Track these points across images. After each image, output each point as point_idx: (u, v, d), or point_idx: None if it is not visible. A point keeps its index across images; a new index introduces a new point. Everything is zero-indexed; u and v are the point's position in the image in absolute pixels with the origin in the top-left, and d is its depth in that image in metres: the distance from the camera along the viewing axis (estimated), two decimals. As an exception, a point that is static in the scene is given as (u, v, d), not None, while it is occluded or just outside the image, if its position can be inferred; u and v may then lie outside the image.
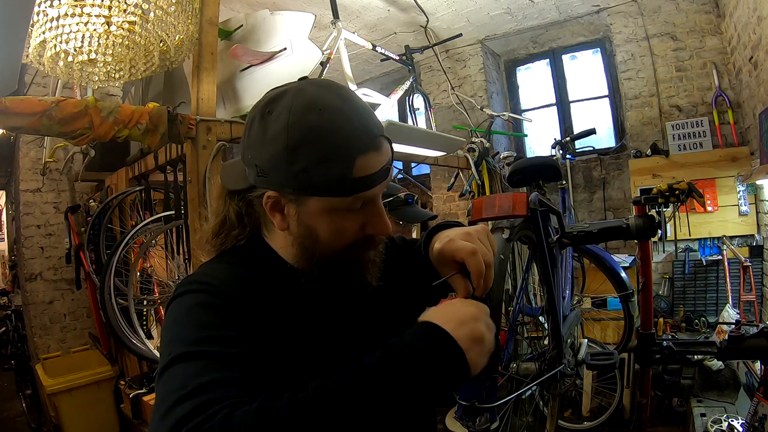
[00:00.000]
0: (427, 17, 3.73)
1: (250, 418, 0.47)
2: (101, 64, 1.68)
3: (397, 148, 2.71)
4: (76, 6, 1.49)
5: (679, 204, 1.59)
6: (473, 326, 0.57)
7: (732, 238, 3.20)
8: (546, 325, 1.61)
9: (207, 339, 0.56)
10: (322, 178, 0.60)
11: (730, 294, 3.05)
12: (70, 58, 1.61)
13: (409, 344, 0.54)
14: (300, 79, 0.67)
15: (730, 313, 2.85)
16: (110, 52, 1.63)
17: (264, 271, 0.67)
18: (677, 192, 1.57)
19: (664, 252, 3.42)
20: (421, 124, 3.83)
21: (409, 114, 3.79)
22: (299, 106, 0.60)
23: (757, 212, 3.12)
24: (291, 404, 0.49)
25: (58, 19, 1.49)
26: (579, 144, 3.83)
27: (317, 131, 0.59)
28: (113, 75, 1.77)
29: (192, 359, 0.54)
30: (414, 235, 4.83)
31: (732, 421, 2.00)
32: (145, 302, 2.73)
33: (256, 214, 0.70)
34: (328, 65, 2.75)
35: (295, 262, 0.68)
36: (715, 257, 3.22)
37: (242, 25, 2.39)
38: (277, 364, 0.60)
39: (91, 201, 3.17)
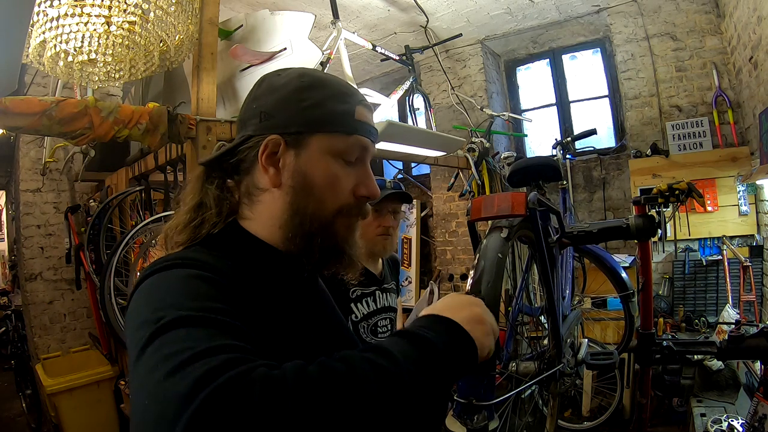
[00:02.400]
0: (427, 17, 3.73)
1: (292, 375, 0.42)
2: (101, 64, 1.68)
3: (397, 148, 2.72)
4: (76, 6, 1.49)
5: (678, 204, 1.59)
6: (471, 309, 0.61)
7: (732, 238, 3.20)
8: (546, 324, 1.61)
9: (209, 308, 0.48)
10: (329, 111, 0.66)
11: (730, 294, 3.05)
12: (70, 58, 1.61)
13: (427, 334, 0.55)
14: None
15: (730, 313, 2.85)
16: (110, 52, 1.63)
17: (246, 260, 0.63)
18: (677, 192, 1.57)
19: (664, 252, 3.42)
20: (421, 124, 3.83)
21: (409, 114, 3.79)
22: (308, 68, 0.73)
23: (757, 212, 3.12)
24: (321, 368, 0.44)
25: (58, 19, 1.49)
26: (579, 144, 3.83)
27: (325, 79, 0.69)
28: (113, 75, 1.77)
29: (194, 325, 0.45)
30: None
31: (732, 421, 2.00)
32: (145, 302, 2.72)
33: (233, 199, 0.69)
34: (328, 65, 2.75)
35: (280, 238, 0.66)
36: (715, 257, 3.22)
37: (242, 25, 2.39)
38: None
39: (91, 201, 3.17)
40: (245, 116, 0.68)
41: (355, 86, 0.74)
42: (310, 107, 0.65)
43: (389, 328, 1.66)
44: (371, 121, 0.70)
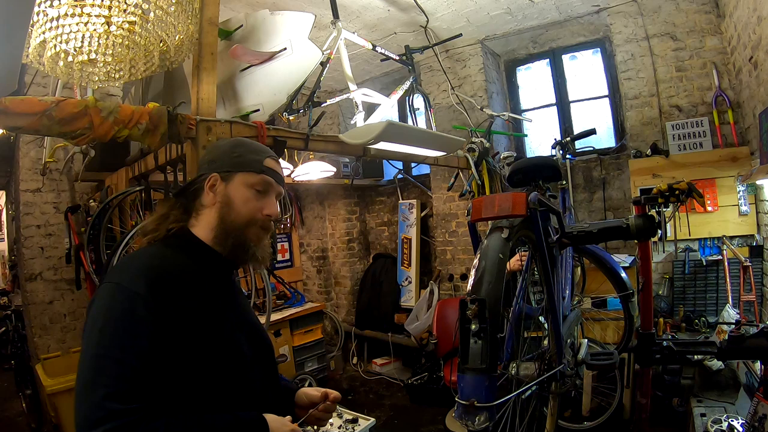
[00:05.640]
0: (427, 17, 3.73)
1: None
2: (101, 64, 1.68)
3: (397, 148, 2.71)
4: (76, 6, 1.48)
5: (679, 204, 1.59)
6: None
7: (732, 238, 3.19)
8: (546, 325, 1.61)
9: (130, 350, 0.80)
10: (247, 160, 1.06)
11: (730, 294, 3.05)
12: (70, 58, 1.61)
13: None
14: None
15: (730, 313, 2.85)
16: (110, 52, 1.63)
17: (187, 253, 0.98)
18: (677, 192, 1.57)
19: (664, 252, 3.42)
20: (421, 124, 3.83)
21: (409, 114, 3.78)
22: (239, 138, 1.29)
23: (757, 212, 3.12)
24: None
25: (58, 19, 1.48)
26: (579, 144, 3.83)
27: (246, 141, 1.13)
28: (113, 75, 1.76)
29: (104, 362, 0.78)
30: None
31: (732, 421, 1.99)
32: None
33: (186, 210, 1.05)
34: (328, 65, 2.75)
35: (212, 237, 1.02)
36: (715, 257, 3.22)
37: (242, 25, 2.39)
38: (189, 346, 0.86)
39: (91, 201, 3.16)
40: (201, 162, 1.10)
41: (266, 149, 1.13)
42: (236, 156, 1.05)
43: None
44: (277, 169, 1.09)
